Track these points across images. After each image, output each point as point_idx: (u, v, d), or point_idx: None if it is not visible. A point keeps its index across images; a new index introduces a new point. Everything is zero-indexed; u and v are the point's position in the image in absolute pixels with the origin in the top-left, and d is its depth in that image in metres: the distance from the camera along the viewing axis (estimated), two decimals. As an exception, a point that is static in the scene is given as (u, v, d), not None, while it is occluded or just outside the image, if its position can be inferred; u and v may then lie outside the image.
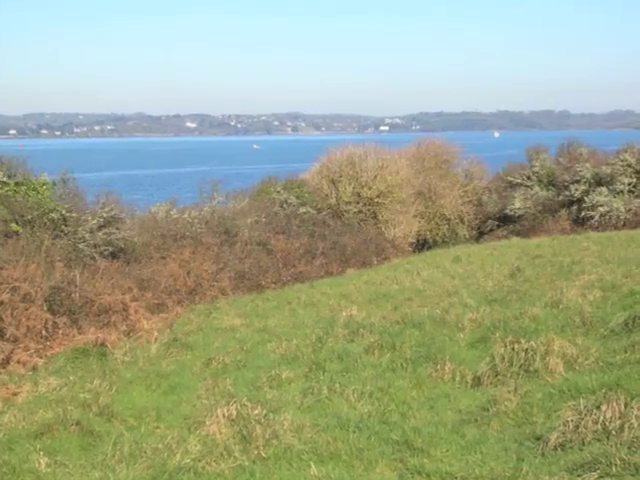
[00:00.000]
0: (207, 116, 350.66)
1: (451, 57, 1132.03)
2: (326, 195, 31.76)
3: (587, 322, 9.48)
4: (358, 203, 31.88)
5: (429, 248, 32.34)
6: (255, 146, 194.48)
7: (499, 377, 7.68)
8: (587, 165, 32.89)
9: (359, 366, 9.06)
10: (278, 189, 29.99)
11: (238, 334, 12.86)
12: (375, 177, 32.33)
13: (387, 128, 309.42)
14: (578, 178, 32.58)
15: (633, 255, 17.40)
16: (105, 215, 18.02)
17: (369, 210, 32.03)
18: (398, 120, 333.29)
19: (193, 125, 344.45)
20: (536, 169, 35.12)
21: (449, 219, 35.27)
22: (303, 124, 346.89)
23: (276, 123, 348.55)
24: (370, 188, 32.07)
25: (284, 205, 28.65)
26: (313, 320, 13.43)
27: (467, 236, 34.79)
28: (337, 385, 8.12)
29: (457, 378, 8.07)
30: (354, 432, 6.55)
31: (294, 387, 8.59)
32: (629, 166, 32.62)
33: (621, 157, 32.92)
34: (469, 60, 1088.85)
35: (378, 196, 32.13)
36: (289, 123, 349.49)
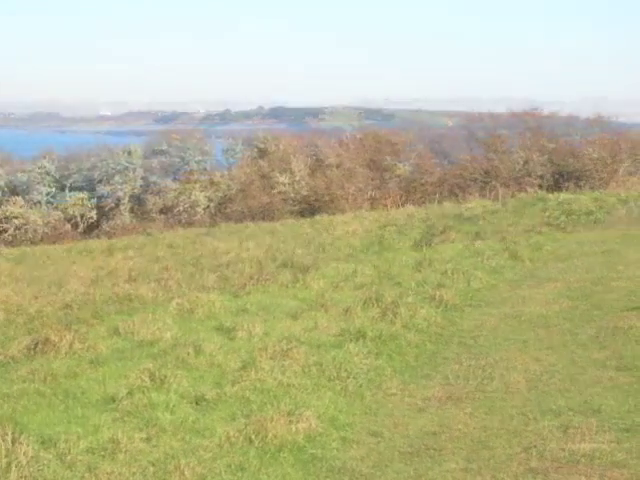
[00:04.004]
0: None
1: None
2: None
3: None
4: None
5: None
6: None
7: None
8: (0, 171, 32.82)
9: None
10: None
11: None
12: None
13: None
14: (-11, 185, 32.28)
15: (47, 273, 17.92)
16: None
17: None
18: None
19: None
20: None
21: None
22: None
23: None
24: None
25: None
26: None
27: None
28: None
29: None
30: None
31: None
32: (48, 174, 33.57)
33: (39, 163, 33.67)
34: None
35: None
36: None
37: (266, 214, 31.69)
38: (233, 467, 5.83)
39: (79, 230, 32.92)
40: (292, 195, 33.90)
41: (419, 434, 6.56)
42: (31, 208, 32.28)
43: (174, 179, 34.63)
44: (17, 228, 31.24)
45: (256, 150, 36.62)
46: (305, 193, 33.96)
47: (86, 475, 5.70)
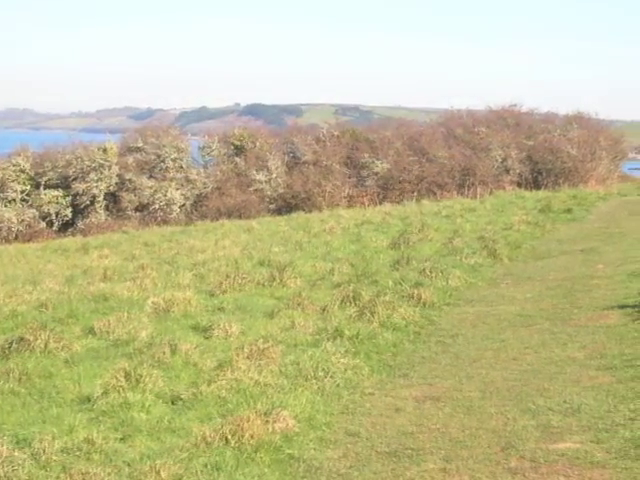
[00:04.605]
0: None
1: None
2: None
3: None
4: None
5: None
6: None
7: None
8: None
9: None
10: None
11: None
12: None
13: None
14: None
15: (22, 272, 17.80)
16: None
17: None
18: None
19: None
20: None
21: None
22: None
23: None
24: None
25: None
26: None
27: None
28: None
29: None
30: None
31: None
32: (22, 171, 33.33)
33: (13, 161, 33.42)
34: None
35: None
36: None
37: (242, 212, 31.65)
38: (209, 467, 5.82)
39: (54, 228, 32.75)
40: (269, 193, 33.89)
41: (397, 434, 6.57)
42: (5, 206, 32.07)
43: (150, 177, 34.46)
44: (-9, 226, 31.02)
45: (232, 147, 36.53)
46: (282, 191, 33.95)
47: (61, 475, 5.68)
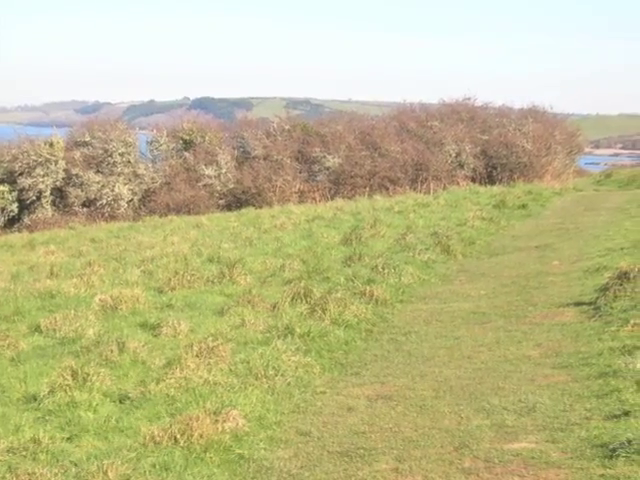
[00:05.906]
0: None
1: None
2: None
3: None
4: None
5: None
6: None
7: None
8: None
9: None
10: None
11: None
12: None
13: None
14: None
15: None
16: None
17: None
18: None
19: None
20: None
21: None
22: None
23: None
24: None
25: None
26: None
27: None
28: None
29: None
30: None
31: None
32: None
33: None
34: None
35: None
36: None
37: (191, 208, 31.43)
38: (158, 467, 5.77)
39: None
40: (218, 188, 33.68)
41: (349, 433, 6.57)
42: (-50, 201, 31.47)
43: (97, 171, 34.04)
44: None
45: (181, 142, 36.24)
46: (231, 186, 33.76)
47: (7, 475, 5.63)
